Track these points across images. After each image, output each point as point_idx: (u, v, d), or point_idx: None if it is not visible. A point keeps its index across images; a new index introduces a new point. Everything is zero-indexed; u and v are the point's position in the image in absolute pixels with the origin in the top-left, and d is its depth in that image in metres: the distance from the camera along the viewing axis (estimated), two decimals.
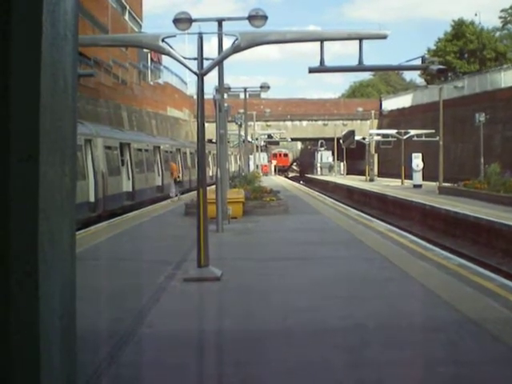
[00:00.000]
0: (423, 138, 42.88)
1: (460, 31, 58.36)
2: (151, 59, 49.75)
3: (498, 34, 62.17)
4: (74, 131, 1.31)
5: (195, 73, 10.19)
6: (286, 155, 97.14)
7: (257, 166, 49.63)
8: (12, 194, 1.12)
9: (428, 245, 13.62)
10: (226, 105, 20.48)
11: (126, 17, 46.63)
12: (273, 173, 72.70)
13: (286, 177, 75.16)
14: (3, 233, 1.12)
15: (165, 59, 51.32)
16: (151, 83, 50.68)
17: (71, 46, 1.28)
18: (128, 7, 46.89)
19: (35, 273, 1.14)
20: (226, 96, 23.13)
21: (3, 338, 1.14)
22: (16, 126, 1.12)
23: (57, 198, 1.22)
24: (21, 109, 1.12)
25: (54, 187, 1.21)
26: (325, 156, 71.40)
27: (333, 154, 67.57)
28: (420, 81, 54.95)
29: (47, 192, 1.17)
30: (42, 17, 1.14)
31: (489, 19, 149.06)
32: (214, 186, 16.01)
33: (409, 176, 40.92)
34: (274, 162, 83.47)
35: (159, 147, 33.03)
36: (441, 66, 15.41)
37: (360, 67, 12.09)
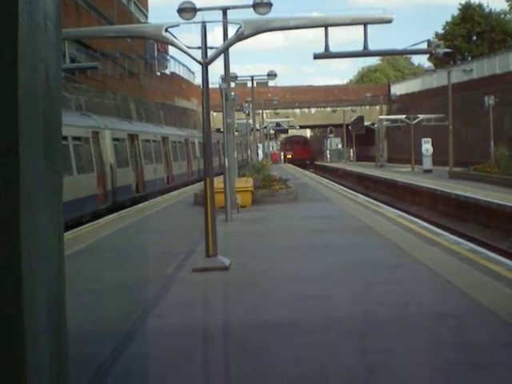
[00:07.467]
0: (433, 123, 42.68)
1: (468, 14, 57.85)
2: (158, 50, 49.57)
3: (506, 17, 61.51)
4: (58, 123, 1.28)
5: (199, 62, 10.14)
6: (304, 143, 79.45)
7: (266, 154, 49.38)
8: None
9: (438, 230, 13.55)
10: (232, 94, 20.42)
11: (132, 8, 46.47)
12: (282, 161, 71.40)
13: (296, 164, 72.25)
14: None
15: (172, 50, 51.18)
16: (158, 74, 50.57)
17: (54, 37, 1.24)
18: None
19: (17, 267, 1.11)
20: (233, 85, 23.09)
21: None
22: None
23: (40, 192, 1.19)
24: None
25: (36, 181, 1.18)
26: (334, 143, 71.15)
27: (342, 140, 67.36)
28: (428, 65, 54.51)
29: (29, 186, 1.14)
30: (18, 6, 1.10)
31: (495, 2, 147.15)
32: (222, 176, 15.99)
33: (419, 161, 40.74)
34: (290, 155, 72.62)
35: (167, 138, 33.04)
36: (447, 50, 15.25)
37: (365, 52, 11.99)
